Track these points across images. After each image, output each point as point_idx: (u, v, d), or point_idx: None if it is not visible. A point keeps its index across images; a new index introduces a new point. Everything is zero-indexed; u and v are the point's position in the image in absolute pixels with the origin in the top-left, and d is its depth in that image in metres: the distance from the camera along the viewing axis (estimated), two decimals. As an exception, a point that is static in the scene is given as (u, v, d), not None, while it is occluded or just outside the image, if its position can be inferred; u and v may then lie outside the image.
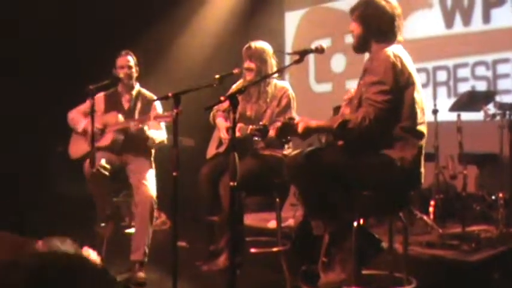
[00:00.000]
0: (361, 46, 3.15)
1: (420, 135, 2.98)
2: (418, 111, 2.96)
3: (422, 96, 3.02)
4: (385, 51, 2.96)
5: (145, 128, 4.14)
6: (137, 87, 4.40)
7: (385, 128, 2.89)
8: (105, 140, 4.22)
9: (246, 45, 4.14)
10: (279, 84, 4.17)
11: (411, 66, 3.00)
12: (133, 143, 4.19)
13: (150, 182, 4.07)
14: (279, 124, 3.07)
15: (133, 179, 4.12)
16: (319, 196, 2.95)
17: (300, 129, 2.98)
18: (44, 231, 2.67)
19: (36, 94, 5.68)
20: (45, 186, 5.88)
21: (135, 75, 4.34)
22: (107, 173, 3.97)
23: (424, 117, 3.02)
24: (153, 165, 4.28)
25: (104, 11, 6.13)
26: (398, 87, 2.90)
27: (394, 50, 2.97)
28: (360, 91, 3.03)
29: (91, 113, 3.81)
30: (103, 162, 3.97)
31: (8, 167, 5.60)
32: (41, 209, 5.50)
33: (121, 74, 4.24)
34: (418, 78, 3.04)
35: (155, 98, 4.28)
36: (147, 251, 3.98)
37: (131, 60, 4.30)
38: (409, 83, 2.94)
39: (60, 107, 4.53)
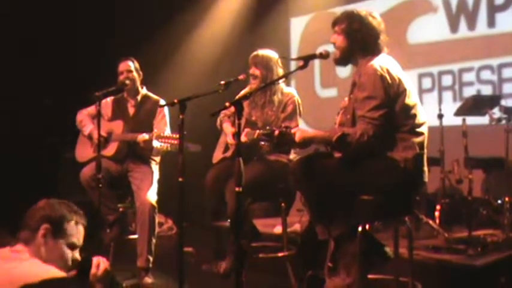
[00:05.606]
0: (344, 59, 3.15)
1: (420, 134, 2.97)
2: (415, 113, 2.96)
3: (416, 100, 3.01)
4: (371, 64, 2.94)
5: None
6: (143, 91, 4.44)
7: (383, 138, 2.89)
8: (110, 150, 4.26)
9: (253, 53, 4.17)
10: (286, 90, 4.19)
11: (400, 73, 2.99)
12: (136, 151, 4.22)
13: (149, 188, 4.09)
14: (276, 133, 3.04)
15: (134, 185, 4.17)
16: (321, 201, 2.96)
17: (297, 138, 2.98)
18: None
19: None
20: (50, 192, 5.89)
21: (137, 79, 4.37)
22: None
23: (422, 118, 2.99)
24: (156, 170, 4.30)
25: (110, 18, 6.18)
26: (389, 99, 2.89)
27: (380, 62, 2.96)
28: (352, 105, 3.02)
29: (97, 119, 3.85)
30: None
31: (12, 171, 5.63)
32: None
33: (122, 78, 4.28)
34: (410, 83, 3.02)
35: (161, 100, 4.31)
36: (149, 257, 3.99)
37: (131, 65, 4.33)
38: (400, 92, 2.92)
39: (69, 113, 4.57)
